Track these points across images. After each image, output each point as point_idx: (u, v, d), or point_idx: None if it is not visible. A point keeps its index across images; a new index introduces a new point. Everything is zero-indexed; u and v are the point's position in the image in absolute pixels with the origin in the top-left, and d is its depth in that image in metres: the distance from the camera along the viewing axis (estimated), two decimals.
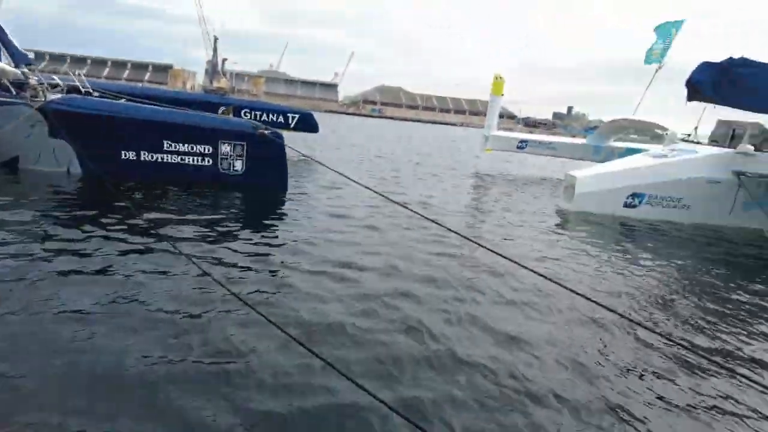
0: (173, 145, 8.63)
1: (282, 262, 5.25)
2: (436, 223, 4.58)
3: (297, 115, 15.99)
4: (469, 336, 4.00)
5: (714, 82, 10.30)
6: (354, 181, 4.83)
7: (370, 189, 4.52)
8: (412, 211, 4.72)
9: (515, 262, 2.84)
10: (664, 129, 13.96)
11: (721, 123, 11.43)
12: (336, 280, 4.85)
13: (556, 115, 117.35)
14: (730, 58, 10.41)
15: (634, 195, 10.42)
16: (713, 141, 11.71)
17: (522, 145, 17.78)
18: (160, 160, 8.59)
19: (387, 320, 4.10)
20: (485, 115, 18.67)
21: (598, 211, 10.30)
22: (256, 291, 4.42)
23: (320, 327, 3.85)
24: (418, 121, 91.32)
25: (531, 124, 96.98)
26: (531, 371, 3.53)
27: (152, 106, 9.08)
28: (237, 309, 3.88)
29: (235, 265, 5.01)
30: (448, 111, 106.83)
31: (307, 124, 16.16)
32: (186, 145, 8.69)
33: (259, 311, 2.92)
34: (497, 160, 20.36)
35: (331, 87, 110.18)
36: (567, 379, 3.51)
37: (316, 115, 16.58)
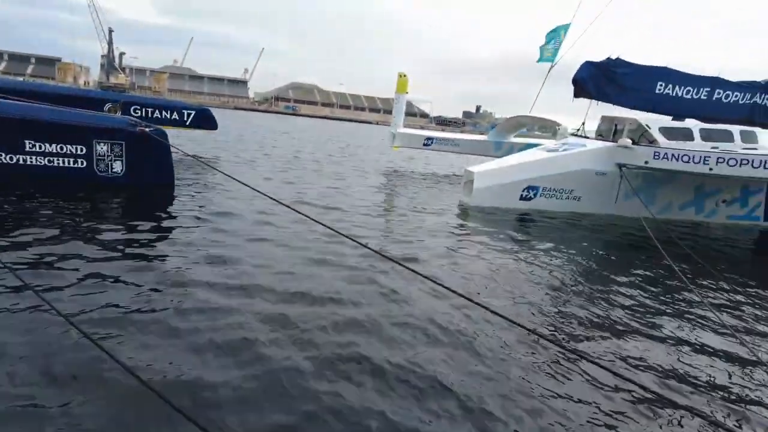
0: (37, 145, 7.65)
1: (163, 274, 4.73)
2: (323, 225, 4.35)
3: (193, 112, 15.02)
4: (341, 341, 3.78)
5: (595, 81, 11.00)
6: (247, 186, 4.46)
7: (266, 194, 4.17)
8: (300, 213, 4.46)
9: (400, 263, 2.66)
10: (558, 124, 14.78)
11: (604, 118, 12.25)
12: (214, 290, 4.44)
13: (465, 113, 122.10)
14: (608, 58, 11.18)
15: (529, 188, 10.85)
16: (599, 135, 12.51)
17: (428, 142, 18.05)
18: (20, 161, 7.58)
19: (270, 330, 3.78)
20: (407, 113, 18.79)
21: (496, 205, 10.61)
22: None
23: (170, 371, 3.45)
24: (334, 119, 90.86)
25: (443, 123, 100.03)
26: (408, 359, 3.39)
27: (8, 101, 7.99)
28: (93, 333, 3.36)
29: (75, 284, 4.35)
30: (363, 109, 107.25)
31: (205, 120, 15.24)
32: (54, 146, 7.74)
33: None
34: (404, 158, 20.58)
35: (241, 84, 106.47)
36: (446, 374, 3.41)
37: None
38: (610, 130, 12.31)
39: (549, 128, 15.34)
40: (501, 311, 3.23)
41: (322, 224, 4.29)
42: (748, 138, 10.85)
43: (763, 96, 12.16)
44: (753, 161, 9.01)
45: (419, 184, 14.00)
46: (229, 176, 5.15)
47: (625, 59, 11.16)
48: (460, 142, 18.37)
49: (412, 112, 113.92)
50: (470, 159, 17.56)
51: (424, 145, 18.07)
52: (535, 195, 10.93)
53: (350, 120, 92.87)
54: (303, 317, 4.05)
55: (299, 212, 4.42)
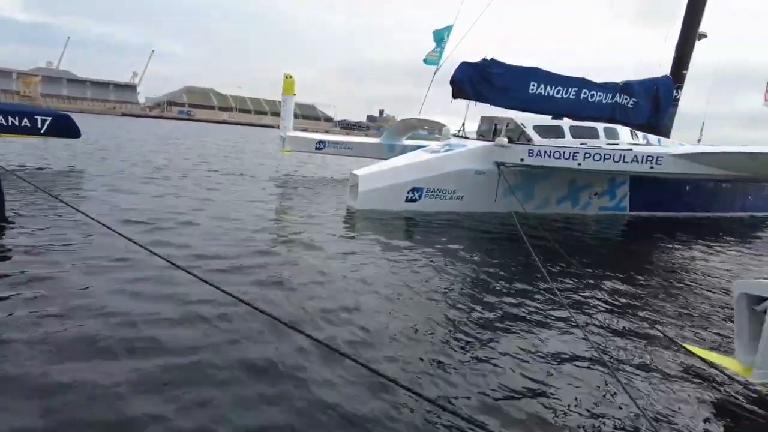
0: None
1: None
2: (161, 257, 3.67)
3: (49, 118, 13.28)
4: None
5: (472, 81, 11.18)
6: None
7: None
8: (134, 242, 3.72)
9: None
10: (444, 126, 14.96)
11: (484, 119, 12.53)
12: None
13: (370, 117, 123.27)
14: (484, 58, 11.42)
15: (414, 189, 10.74)
16: (481, 136, 12.76)
17: (320, 145, 17.55)
18: None
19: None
20: (302, 117, 18.05)
21: (383, 208, 10.36)
22: None
23: None
24: (234, 123, 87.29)
25: (347, 127, 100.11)
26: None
27: None
28: None
29: None
30: (264, 113, 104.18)
31: (65, 128, 13.55)
32: None
33: None
34: (296, 162, 19.87)
35: (129, 88, 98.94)
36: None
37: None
38: (490, 130, 12.60)
39: (437, 130, 15.48)
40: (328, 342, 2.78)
41: (160, 256, 3.62)
42: (611, 134, 11.60)
43: (622, 96, 13.15)
44: (614, 156, 9.56)
45: (307, 189, 13.44)
46: (52, 196, 4.26)
47: (499, 60, 11.46)
48: (354, 145, 18.07)
49: (315, 116, 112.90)
50: (366, 162, 17.29)
51: (317, 148, 17.54)
52: (420, 196, 10.83)
53: (251, 124, 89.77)
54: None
55: (133, 241, 3.70)
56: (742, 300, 3.73)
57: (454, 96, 11.35)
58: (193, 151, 23.03)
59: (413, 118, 17.09)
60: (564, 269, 6.90)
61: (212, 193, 11.04)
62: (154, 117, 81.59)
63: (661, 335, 4.68)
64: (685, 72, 14.07)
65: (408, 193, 10.72)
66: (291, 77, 16.90)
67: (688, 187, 13.60)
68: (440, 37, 16.22)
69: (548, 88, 12.02)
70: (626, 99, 13.06)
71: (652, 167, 9.24)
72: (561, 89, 12.21)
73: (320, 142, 17.63)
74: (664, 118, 13.80)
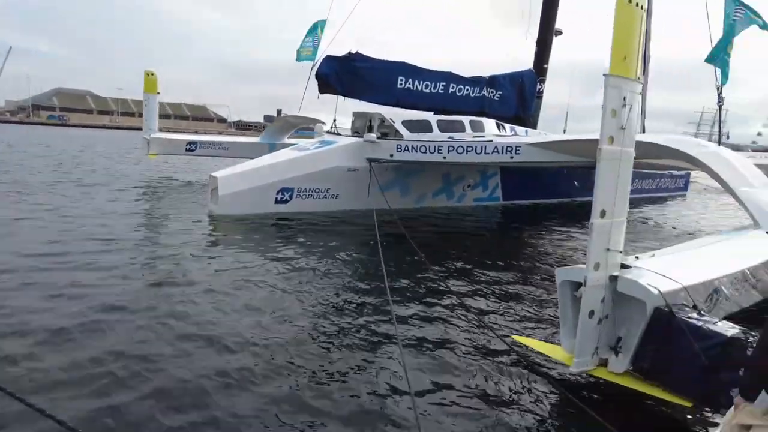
0: None
1: None
2: None
3: None
4: None
5: (338, 75, 10.86)
6: None
7: None
8: None
9: None
10: (322, 123, 14.55)
11: (357, 114, 12.28)
12: None
13: (267, 117, 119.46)
14: (350, 52, 11.14)
15: (283, 190, 10.20)
16: (356, 132, 12.50)
17: (191, 147, 16.37)
18: None
19: None
20: (192, 118, 16.56)
21: (249, 212, 9.71)
22: None
23: None
24: (114, 127, 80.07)
25: (243, 127, 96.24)
26: None
27: None
28: None
29: None
30: None
31: None
32: None
33: None
34: (162, 166, 18.30)
35: None
36: None
37: None
38: (365, 126, 12.37)
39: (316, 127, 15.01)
40: None
41: None
42: (477, 127, 11.88)
43: (489, 89, 13.58)
44: (476, 148, 9.73)
45: (169, 196, 12.34)
46: None
47: (364, 54, 11.24)
48: (230, 146, 17.06)
49: (208, 117, 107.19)
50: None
51: (188, 150, 16.32)
52: (290, 197, 10.31)
53: (137, 128, 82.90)
54: None
55: None
56: (564, 287, 3.68)
57: (321, 91, 10.96)
58: (68, 158, 20.52)
59: (291, 115, 16.51)
60: (411, 264, 6.77)
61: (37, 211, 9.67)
62: (17, 122, 72.66)
63: (496, 327, 4.61)
64: (546, 66, 14.91)
65: (277, 194, 10.16)
66: (153, 74, 15.53)
67: (557, 175, 14.42)
68: (312, 31, 15.77)
69: (416, 82, 12.05)
70: (493, 92, 13.52)
71: (512, 157, 9.51)
72: (429, 84, 12.30)
73: (191, 143, 16.44)
74: (529, 110, 14.50)
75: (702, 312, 3.45)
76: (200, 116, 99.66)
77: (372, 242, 7.10)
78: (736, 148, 30.36)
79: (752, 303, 5.17)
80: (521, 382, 3.77)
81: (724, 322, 3.33)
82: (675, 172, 19.86)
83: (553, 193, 14.81)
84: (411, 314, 4.95)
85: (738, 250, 5.09)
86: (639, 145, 3.72)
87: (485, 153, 9.64)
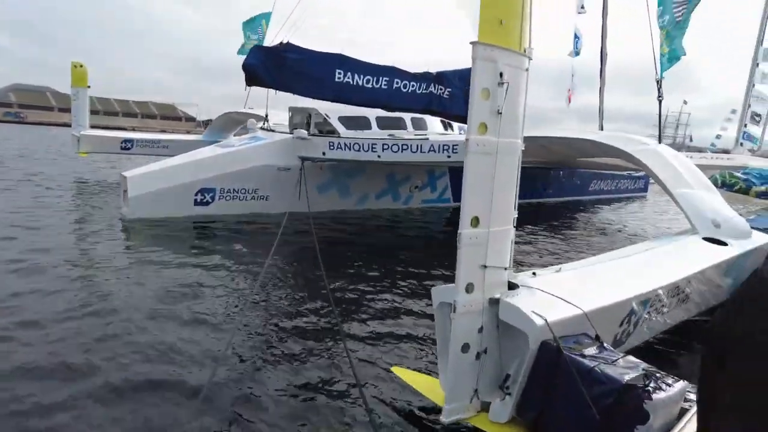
0: None
1: None
2: None
3: None
4: None
5: (267, 67, 9.97)
6: None
7: None
8: None
9: None
10: (255, 118, 13.65)
11: (293, 110, 11.45)
12: None
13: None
14: (280, 42, 10.29)
15: (204, 191, 9.31)
16: (295, 128, 11.65)
17: (127, 145, 15.28)
18: None
19: None
20: (161, 117, 15.41)
21: (165, 214, 8.79)
22: None
23: None
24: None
25: None
26: None
27: None
28: None
29: None
30: (116, 114, 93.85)
31: None
32: None
33: None
34: (93, 166, 17.01)
35: None
36: None
37: None
38: (303, 122, 11.54)
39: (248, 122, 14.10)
40: None
41: None
42: (419, 125, 11.18)
43: (437, 86, 12.87)
44: (411, 146, 9.04)
45: (79, 197, 11.23)
46: None
47: (296, 44, 10.40)
48: (170, 144, 15.99)
49: (176, 117, 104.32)
50: None
51: (123, 148, 15.24)
52: (212, 198, 9.42)
53: (106, 127, 79.96)
54: None
55: None
56: (443, 310, 2.95)
57: (248, 83, 9.97)
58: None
59: (234, 111, 15.58)
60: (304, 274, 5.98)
61: None
62: None
63: (378, 357, 3.86)
64: None
65: (197, 195, 9.26)
66: (82, 66, 14.40)
67: None
68: (255, 25, 14.87)
69: (357, 76, 11.21)
70: (441, 89, 12.78)
71: (449, 156, 8.84)
72: (371, 78, 11.48)
73: (127, 141, 15.35)
74: None
75: (604, 345, 2.76)
76: (168, 115, 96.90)
77: (307, 248, 6.34)
78: (698, 150, 30.54)
79: (683, 320, 4.57)
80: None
81: (628, 358, 2.65)
82: (634, 173, 19.62)
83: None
84: (291, 327, 4.18)
85: (669, 260, 4.47)
86: (572, 142, 3.09)
87: (421, 152, 8.95)
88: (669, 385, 2.42)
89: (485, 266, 2.72)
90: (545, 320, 2.59)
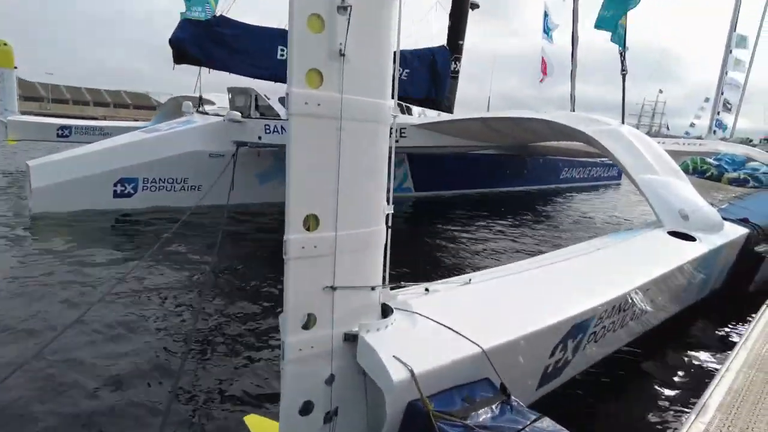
0: None
1: None
2: None
3: None
4: None
5: (198, 43, 8.92)
6: None
7: None
8: None
9: None
10: (212, 103, 12.60)
11: (234, 91, 10.37)
12: None
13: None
14: (213, 15, 9.23)
15: (124, 180, 8.26)
16: (237, 109, 10.60)
17: (65, 132, 14.02)
18: None
19: None
20: (133, 107, 14.09)
21: (78, 207, 7.72)
22: None
23: None
24: (48, 115, 73.80)
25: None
26: None
27: None
28: None
29: None
30: (86, 103, 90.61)
31: None
32: None
33: None
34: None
35: None
36: None
37: None
38: (246, 104, 10.50)
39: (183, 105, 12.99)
40: None
41: None
42: None
43: (393, 66, 11.90)
44: None
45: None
46: None
47: (233, 18, 9.35)
48: (113, 131, 14.66)
49: (149, 106, 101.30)
50: None
51: (60, 135, 13.97)
52: (135, 189, 8.38)
53: (77, 116, 76.93)
54: None
55: None
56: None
57: (177, 61, 8.96)
58: None
59: (182, 96, 14.40)
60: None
61: None
62: None
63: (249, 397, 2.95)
64: (461, 42, 13.37)
65: (116, 185, 8.21)
66: (6, 44, 13.09)
67: (480, 162, 13.01)
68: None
69: None
70: (400, 70, 11.88)
71: (397, 140, 7.89)
72: None
73: (64, 127, 14.08)
74: (443, 91, 12.93)
75: (510, 402, 1.90)
76: (142, 104, 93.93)
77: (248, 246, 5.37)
78: (672, 137, 30.17)
79: (644, 331, 3.77)
80: None
81: (544, 425, 1.79)
82: (607, 161, 19.01)
83: (476, 183, 13.40)
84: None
85: (625, 263, 3.64)
86: (523, 123, 2.21)
87: None
88: None
89: (333, 287, 1.83)
90: (410, 371, 1.71)
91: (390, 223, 2.07)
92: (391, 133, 2.04)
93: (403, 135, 7.85)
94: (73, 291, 4.53)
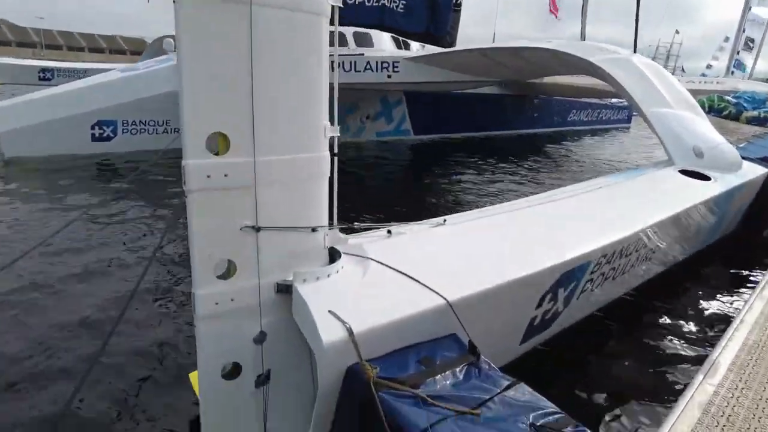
0: None
1: None
2: None
3: None
4: None
5: None
6: None
7: None
8: None
9: None
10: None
11: None
12: None
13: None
14: None
15: (101, 123, 7.82)
16: None
17: (47, 75, 13.43)
18: None
19: None
20: (130, 53, 13.37)
21: (53, 152, 7.34)
22: None
23: None
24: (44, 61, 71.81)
25: None
26: None
27: None
28: None
29: None
30: (81, 50, 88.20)
31: None
32: None
33: None
34: None
35: None
36: None
37: None
38: None
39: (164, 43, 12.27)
40: None
41: None
42: (363, 41, 9.48)
43: None
44: (343, 64, 7.52)
45: None
46: None
47: None
48: (98, 74, 14.14)
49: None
50: None
51: (42, 79, 13.39)
52: (114, 132, 7.96)
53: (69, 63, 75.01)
54: None
55: None
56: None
57: None
58: None
59: (169, 35, 13.64)
60: None
61: None
62: None
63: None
64: None
65: (93, 128, 7.78)
66: None
67: (485, 102, 12.33)
68: None
69: None
70: (395, 2, 11.05)
71: (389, 75, 7.38)
72: None
73: (45, 70, 13.48)
74: (444, 26, 12.12)
75: (479, 364, 1.57)
76: (138, 50, 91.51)
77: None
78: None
79: (647, 279, 3.44)
80: None
81: (519, 392, 1.46)
82: (617, 103, 18.19)
83: (479, 125, 12.75)
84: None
85: (626, 203, 3.23)
86: (524, 53, 1.81)
87: (355, 71, 7.46)
88: None
89: (256, 228, 1.45)
90: (347, 329, 1.37)
91: (336, 150, 1.67)
92: (333, 37, 1.61)
93: (396, 70, 7.30)
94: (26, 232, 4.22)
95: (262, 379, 1.59)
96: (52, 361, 2.45)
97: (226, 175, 1.37)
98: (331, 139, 1.61)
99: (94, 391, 2.21)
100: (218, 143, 1.36)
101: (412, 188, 7.39)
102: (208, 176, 1.35)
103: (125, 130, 8.02)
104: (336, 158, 1.66)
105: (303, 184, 1.54)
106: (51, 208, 5.15)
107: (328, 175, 1.61)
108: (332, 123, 1.60)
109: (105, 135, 7.89)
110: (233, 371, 1.55)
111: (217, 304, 1.45)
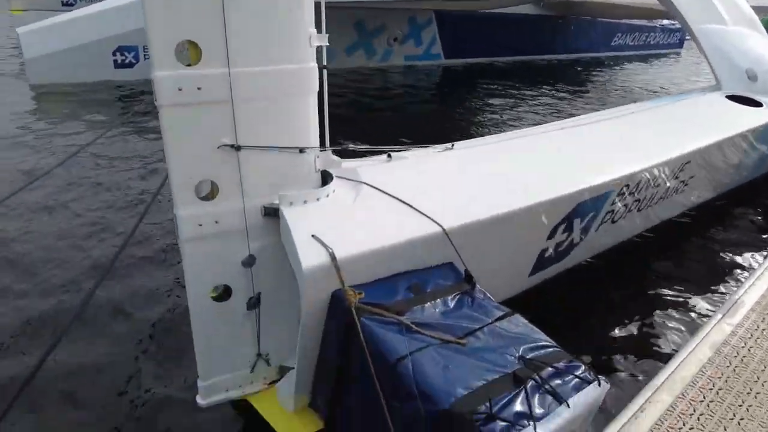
0: None
1: None
2: None
3: None
4: None
5: None
6: None
7: None
8: None
9: None
10: None
11: None
12: None
13: None
14: None
15: (123, 49, 7.70)
16: None
17: (69, 0, 13.14)
18: None
19: None
20: None
21: (77, 79, 7.32)
22: None
23: None
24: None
25: None
26: None
27: None
28: None
29: None
30: None
31: None
32: None
33: None
34: None
35: None
36: None
37: None
38: None
39: None
40: None
41: None
42: None
43: None
44: None
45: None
46: None
47: None
48: None
49: None
50: None
51: (65, 4, 13.12)
52: (136, 59, 7.85)
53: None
54: None
55: None
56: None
57: None
58: None
59: None
60: None
61: None
62: None
63: None
64: None
65: (115, 54, 7.68)
66: None
67: (510, 27, 11.54)
68: None
69: None
70: None
71: None
72: None
73: None
74: None
75: (473, 292, 1.49)
76: None
77: None
78: None
79: (679, 213, 3.24)
80: None
81: (513, 323, 1.40)
82: (669, 25, 16.70)
83: (514, 49, 11.95)
84: None
85: (661, 128, 2.98)
86: None
87: None
88: (569, 394, 1.19)
89: (235, 146, 1.36)
90: (330, 254, 1.30)
91: (325, 62, 1.53)
92: None
93: None
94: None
95: (253, 302, 1.57)
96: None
97: (199, 89, 1.27)
98: (319, 49, 1.46)
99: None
100: (190, 53, 1.24)
101: (442, 117, 7.11)
102: (180, 89, 1.25)
103: (147, 56, 7.87)
104: (326, 71, 1.52)
105: (287, 100, 1.43)
106: (65, 133, 5.18)
107: (316, 90, 1.49)
108: (319, 31, 1.45)
109: (127, 61, 7.79)
110: (224, 293, 1.53)
111: (201, 225, 1.40)
